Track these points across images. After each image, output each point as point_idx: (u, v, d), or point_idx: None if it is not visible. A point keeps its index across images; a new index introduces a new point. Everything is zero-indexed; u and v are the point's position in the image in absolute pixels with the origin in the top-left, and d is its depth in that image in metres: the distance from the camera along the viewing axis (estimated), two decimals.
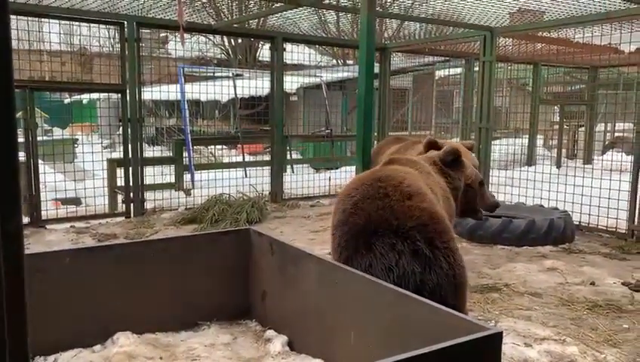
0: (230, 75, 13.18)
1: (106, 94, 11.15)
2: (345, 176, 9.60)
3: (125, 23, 6.86)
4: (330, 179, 9.47)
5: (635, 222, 6.13)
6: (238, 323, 3.01)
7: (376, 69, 8.63)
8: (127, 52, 6.91)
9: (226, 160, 11.82)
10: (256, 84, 11.01)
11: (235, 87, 11.76)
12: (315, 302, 2.60)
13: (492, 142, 8.34)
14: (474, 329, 1.68)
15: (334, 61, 22.17)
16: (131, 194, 7.10)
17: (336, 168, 10.92)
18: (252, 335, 2.86)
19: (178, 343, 2.71)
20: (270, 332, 2.81)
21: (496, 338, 1.66)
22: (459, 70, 12.33)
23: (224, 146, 13.01)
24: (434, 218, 2.49)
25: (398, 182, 2.64)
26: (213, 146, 12.32)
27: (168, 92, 10.08)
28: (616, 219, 6.37)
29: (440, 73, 14.08)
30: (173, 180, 8.70)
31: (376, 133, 9.13)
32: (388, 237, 2.38)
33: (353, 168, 6.58)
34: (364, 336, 2.25)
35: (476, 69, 9.37)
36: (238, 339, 2.80)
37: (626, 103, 12.51)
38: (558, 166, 11.81)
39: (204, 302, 2.98)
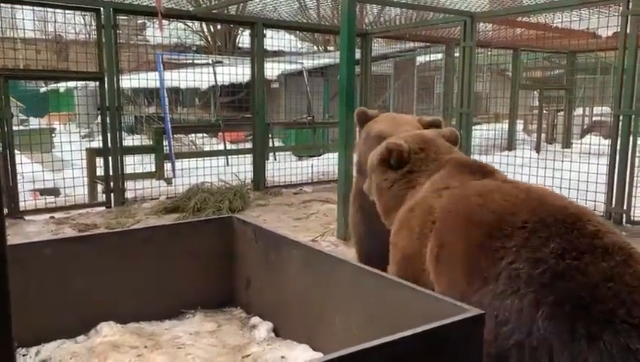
0: (210, 62, 13.03)
1: (84, 82, 10.95)
2: (327, 163, 9.60)
3: (102, 9, 6.72)
4: (312, 167, 9.46)
5: (613, 205, 6.25)
6: (223, 310, 3.00)
7: (357, 55, 8.61)
8: (104, 39, 6.78)
9: (207, 148, 11.72)
10: (237, 71, 10.91)
11: (215, 74, 11.63)
12: (299, 288, 2.60)
13: (472, 128, 8.41)
14: (458, 311, 1.70)
15: (315, 47, 22.05)
16: (111, 184, 7.02)
17: (319, 155, 10.90)
18: (237, 323, 2.86)
19: (162, 332, 2.70)
20: (255, 319, 2.81)
21: (479, 320, 1.68)
22: (439, 56, 12.35)
23: (205, 134, 12.90)
24: None
25: (607, 229, 1.74)
26: (193, 134, 12.21)
27: (147, 80, 9.95)
28: (595, 201, 6.49)
29: (421, 59, 14.11)
30: (153, 169, 8.60)
31: None
32: (621, 331, 1.51)
33: (336, 155, 6.59)
34: (350, 321, 2.27)
35: (457, 54, 9.41)
36: (223, 327, 2.80)
37: (603, 88, 12.70)
38: (538, 150, 11.95)
39: (187, 291, 2.96)
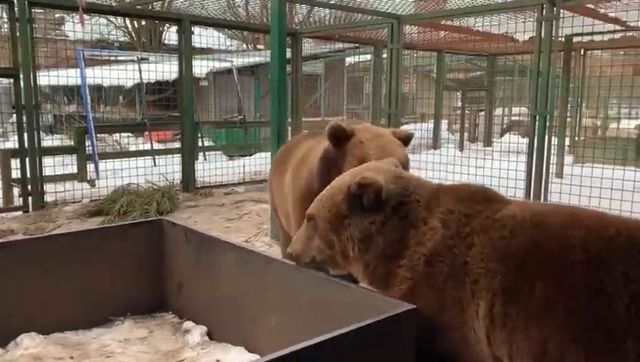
0: (134, 59, 12.59)
1: None
2: (259, 162, 9.53)
3: (15, 1, 6.32)
4: (244, 166, 9.38)
5: (531, 200, 6.61)
6: (154, 316, 2.92)
7: (288, 55, 8.60)
8: (18, 33, 6.38)
9: (132, 148, 11.31)
10: (163, 69, 10.62)
11: (140, 71, 11.26)
12: (233, 290, 2.58)
13: (400, 128, 8.63)
14: (390, 307, 1.75)
15: (245, 45, 21.84)
16: (29, 187, 6.63)
17: (250, 155, 10.82)
18: (169, 328, 2.79)
19: (90, 341, 2.59)
20: (188, 324, 2.76)
21: (411, 315, 1.73)
22: (368, 57, 12.61)
23: (130, 134, 12.44)
24: None
25: None
26: (118, 134, 11.74)
27: (67, 77, 9.45)
28: (514, 197, 6.84)
29: (350, 60, 14.33)
30: (75, 171, 8.21)
31: (289, 119, 9.13)
32: None
33: (268, 154, 6.57)
34: (285, 320, 2.27)
35: (384, 56, 9.62)
36: (155, 333, 2.72)
37: (521, 89, 13.44)
38: (461, 149, 12.47)
39: (116, 297, 2.86)
